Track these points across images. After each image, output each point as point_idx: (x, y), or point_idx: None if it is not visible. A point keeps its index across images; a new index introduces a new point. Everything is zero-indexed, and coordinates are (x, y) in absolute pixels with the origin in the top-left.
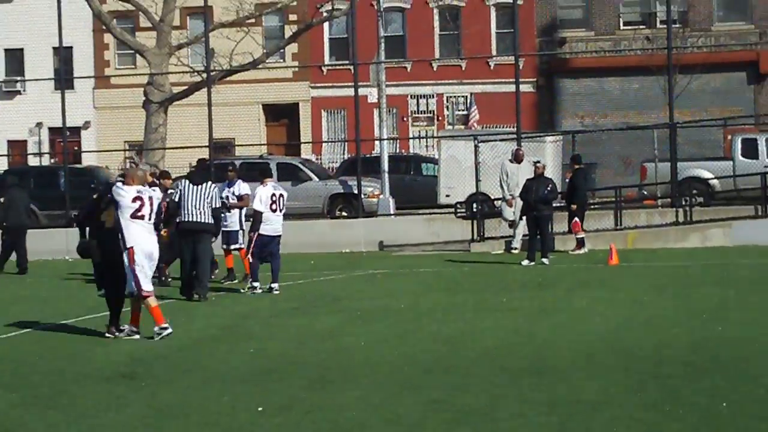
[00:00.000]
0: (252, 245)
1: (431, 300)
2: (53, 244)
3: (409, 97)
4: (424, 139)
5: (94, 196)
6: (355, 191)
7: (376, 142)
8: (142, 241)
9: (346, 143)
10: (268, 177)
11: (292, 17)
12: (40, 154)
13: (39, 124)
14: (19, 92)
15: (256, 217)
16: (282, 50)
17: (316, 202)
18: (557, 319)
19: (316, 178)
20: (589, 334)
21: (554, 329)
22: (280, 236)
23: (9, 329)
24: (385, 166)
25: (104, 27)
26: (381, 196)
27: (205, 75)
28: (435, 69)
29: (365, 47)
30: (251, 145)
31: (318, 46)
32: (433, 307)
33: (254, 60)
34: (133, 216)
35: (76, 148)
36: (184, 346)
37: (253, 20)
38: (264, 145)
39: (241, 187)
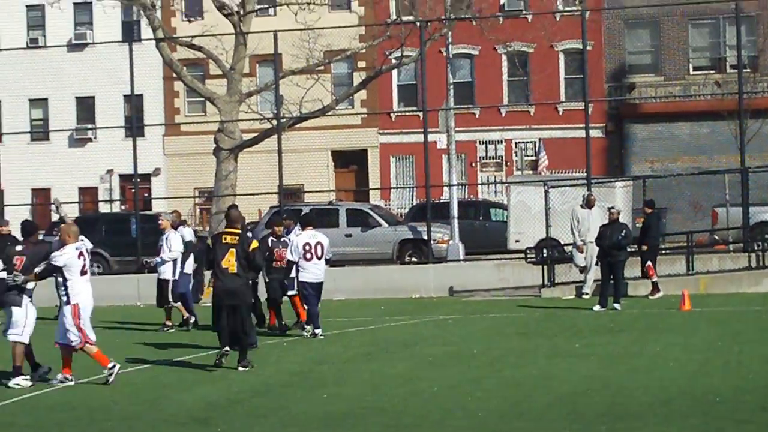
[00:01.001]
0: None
1: (503, 345)
2: (124, 289)
3: (477, 142)
4: (493, 185)
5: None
6: (425, 237)
7: (445, 188)
8: (85, 297)
9: (414, 189)
10: (308, 225)
11: (361, 64)
12: (110, 201)
13: (110, 171)
14: (90, 140)
15: (287, 266)
16: (351, 97)
17: (386, 248)
18: (631, 365)
19: (385, 224)
20: (664, 379)
21: (629, 374)
22: (320, 283)
23: (84, 376)
24: (455, 211)
25: (175, 75)
26: (450, 242)
27: (275, 122)
28: (503, 115)
29: (434, 93)
30: (320, 191)
31: (386, 92)
32: (506, 353)
33: (323, 107)
34: (82, 272)
35: (146, 194)
36: (259, 392)
37: (322, 67)
38: (333, 191)
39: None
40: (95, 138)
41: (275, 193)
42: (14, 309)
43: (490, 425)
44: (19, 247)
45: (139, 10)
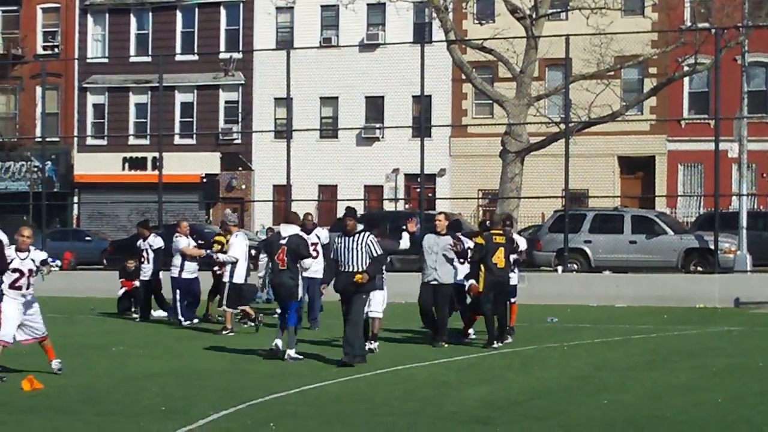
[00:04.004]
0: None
1: None
2: (405, 287)
3: None
4: None
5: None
6: (711, 246)
7: (734, 198)
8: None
9: (702, 197)
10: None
11: (652, 70)
12: (395, 200)
13: (395, 170)
14: (377, 139)
15: None
16: (640, 103)
17: (671, 256)
18: None
19: (671, 232)
20: None
21: None
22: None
23: (370, 368)
24: (743, 221)
25: (464, 77)
26: (738, 252)
27: (563, 126)
28: None
29: (726, 101)
30: (605, 196)
31: (677, 99)
32: None
33: (612, 112)
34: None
35: (430, 194)
36: (538, 394)
37: (612, 73)
38: (618, 197)
39: (519, 241)
40: (383, 137)
41: (560, 197)
42: (378, 292)
43: None
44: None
45: (432, 12)
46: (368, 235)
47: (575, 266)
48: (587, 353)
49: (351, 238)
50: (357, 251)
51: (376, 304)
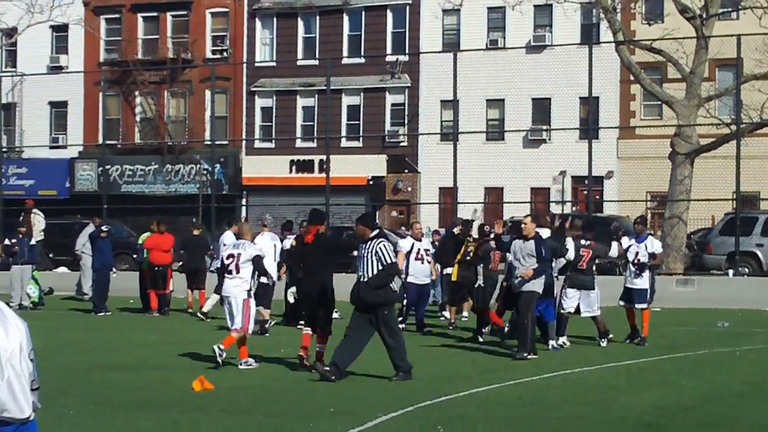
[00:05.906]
0: None
1: None
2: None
3: None
4: None
5: None
6: None
7: None
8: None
9: None
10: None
11: None
12: (562, 203)
13: (562, 173)
14: (544, 141)
15: None
16: None
17: None
18: None
19: None
20: None
21: None
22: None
23: (539, 372)
24: None
25: (632, 78)
26: None
27: (734, 127)
28: None
29: None
30: None
31: None
32: None
33: None
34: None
35: (597, 197)
36: (710, 399)
37: None
38: None
39: (654, 244)
40: (549, 139)
41: (731, 199)
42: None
43: None
44: (584, 242)
45: (600, 13)
46: (379, 242)
47: (746, 270)
48: (760, 358)
49: (363, 245)
50: (367, 259)
51: (591, 303)
